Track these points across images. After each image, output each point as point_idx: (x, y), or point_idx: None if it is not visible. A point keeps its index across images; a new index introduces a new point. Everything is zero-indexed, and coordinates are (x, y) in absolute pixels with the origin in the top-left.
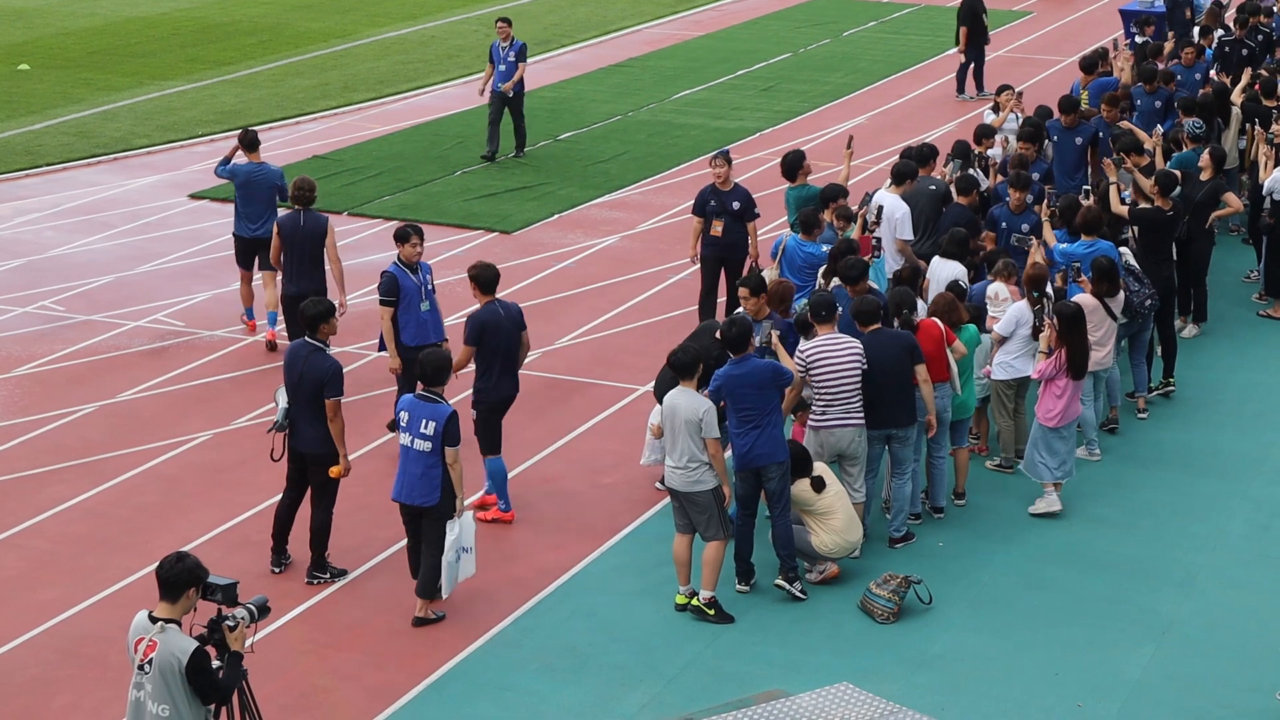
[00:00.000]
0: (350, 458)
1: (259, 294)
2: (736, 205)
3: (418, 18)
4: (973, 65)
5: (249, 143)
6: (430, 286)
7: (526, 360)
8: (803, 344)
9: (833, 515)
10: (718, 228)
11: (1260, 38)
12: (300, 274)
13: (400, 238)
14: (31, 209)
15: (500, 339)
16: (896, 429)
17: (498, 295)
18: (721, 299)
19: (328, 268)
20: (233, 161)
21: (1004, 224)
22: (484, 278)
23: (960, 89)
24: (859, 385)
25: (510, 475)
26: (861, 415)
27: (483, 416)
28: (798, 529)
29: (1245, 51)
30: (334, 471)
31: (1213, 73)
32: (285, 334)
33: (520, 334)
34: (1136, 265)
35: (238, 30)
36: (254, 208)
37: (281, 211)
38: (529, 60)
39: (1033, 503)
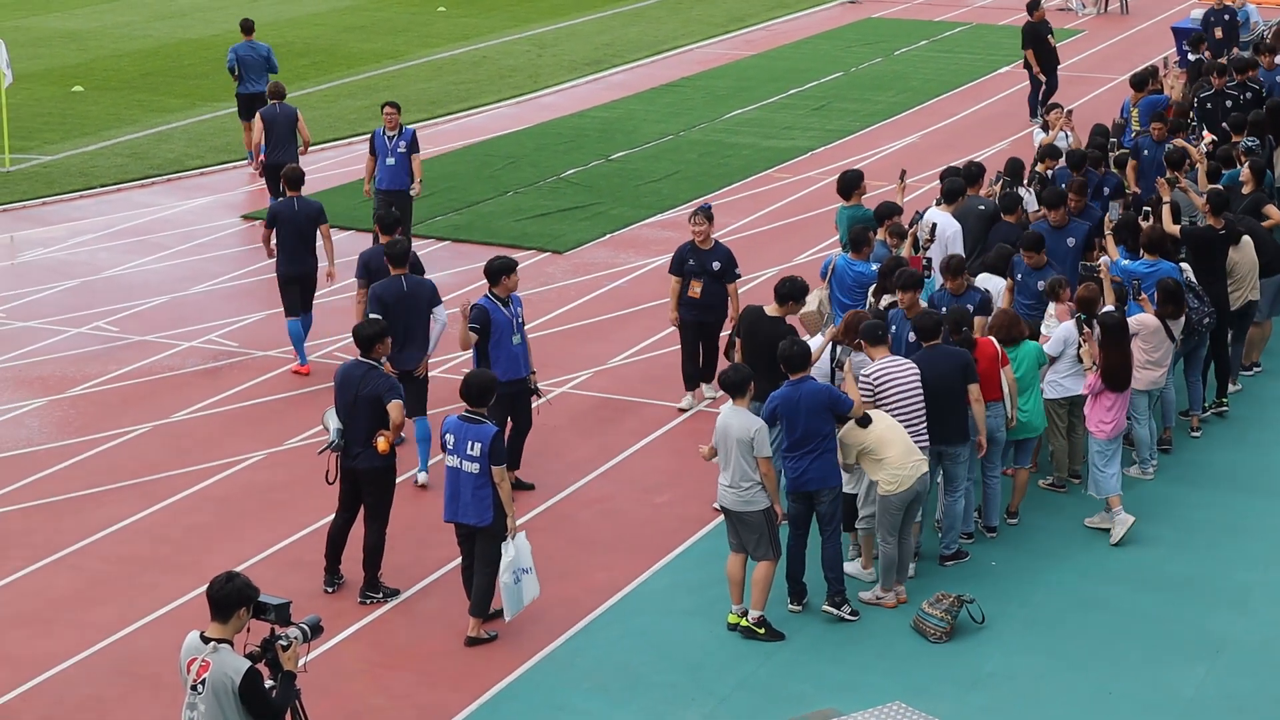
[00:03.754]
0: (402, 478)
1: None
2: (717, 265)
3: (469, 38)
4: (1042, 88)
5: (246, 28)
6: (521, 319)
7: (579, 379)
8: (868, 366)
9: (888, 447)
10: (696, 289)
11: (1249, 95)
12: (280, 149)
13: (503, 270)
14: (86, 230)
15: (286, 230)
16: (948, 446)
17: (300, 193)
18: (731, 357)
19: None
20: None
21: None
22: (291, 177)
23: (1034, 113)
24: (923, 408)
25: (562, 495)
26: (927, 440)
27: (280, 286)
28: (866, 495)
29: (1229, 104)
30: (382, 446)
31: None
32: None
33: (313, 226)
34: (1196, 282)
35: (290, 51)
36: (250, 74)
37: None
38: (422, 151)
39: (1110, 534)
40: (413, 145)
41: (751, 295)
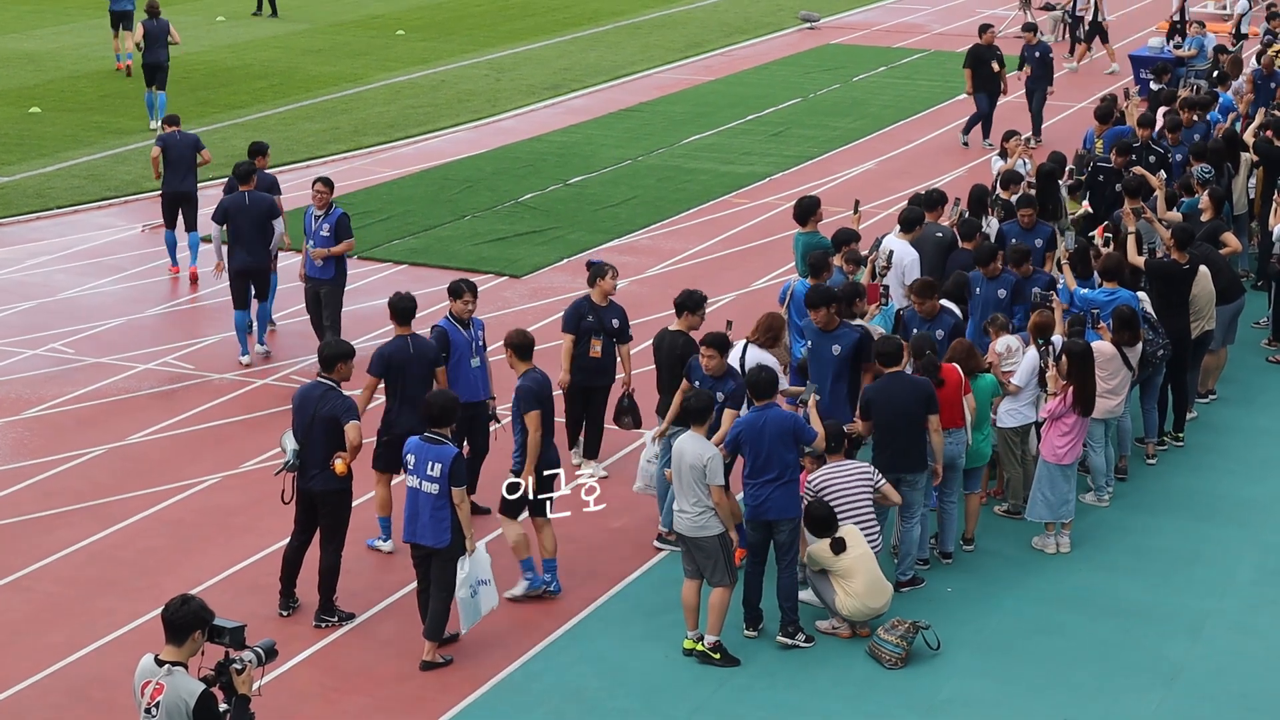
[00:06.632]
0: (358, 502)
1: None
2: (615, 323)
3: (428, 62)
4: (979, 113)
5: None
6: (481, 342)
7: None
8: (812, 475)
9: (852, 578)
10: (596, 348)
11: (1153, 159)
12: (155, 50)
13: (453, 293)
14: (42, 251)
15: (173, 158)
16: (906, 473)
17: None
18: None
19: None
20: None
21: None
22: (171, 117)
23: (965, 132)
24: (871, 504)
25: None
26: (876, 528)
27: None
28: (824, 582)
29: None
30: (340, 468)
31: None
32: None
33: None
34: (1153, 314)
35: (248, 74)
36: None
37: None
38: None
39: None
40: (339, 229)
41: (708, 323)
